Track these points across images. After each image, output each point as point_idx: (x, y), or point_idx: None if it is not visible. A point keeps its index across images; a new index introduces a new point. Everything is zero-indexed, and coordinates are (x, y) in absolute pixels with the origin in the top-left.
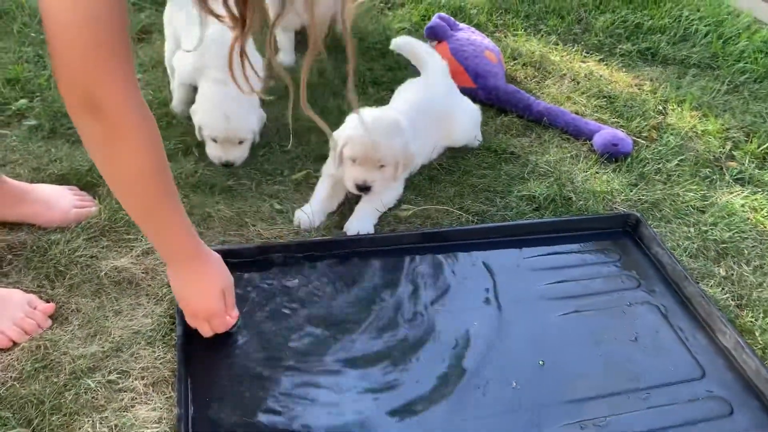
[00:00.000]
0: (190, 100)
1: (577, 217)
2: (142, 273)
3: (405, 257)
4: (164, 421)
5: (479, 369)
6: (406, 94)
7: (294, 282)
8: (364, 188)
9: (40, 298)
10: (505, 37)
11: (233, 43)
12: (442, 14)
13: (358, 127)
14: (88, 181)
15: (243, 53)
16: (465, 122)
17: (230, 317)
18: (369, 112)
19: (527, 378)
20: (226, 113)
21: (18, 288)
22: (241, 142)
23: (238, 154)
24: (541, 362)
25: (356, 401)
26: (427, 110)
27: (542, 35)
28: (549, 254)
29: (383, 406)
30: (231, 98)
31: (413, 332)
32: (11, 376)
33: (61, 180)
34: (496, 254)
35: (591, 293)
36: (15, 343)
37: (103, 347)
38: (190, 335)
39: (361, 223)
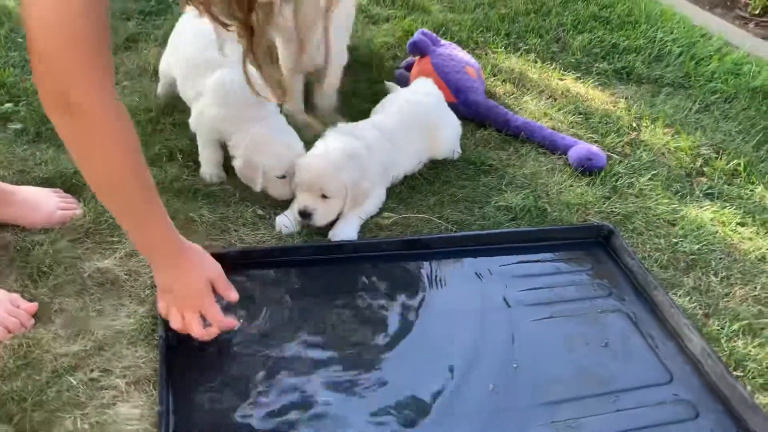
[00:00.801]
0: (220, 159)
1: (552, 227)
2: (125, 275)
3: (386, 264)
4: (145, 419)
5: (457, 372)
6: (392, 105)
7: (277, 287)
8: (304, 215)
9: (23, 297)
10: (485, 54)
11: (245, 53)
12: (425, 30)
13: (311, 155)
14: (73, 184)
15: (258, 62)
16: (449, 135)
17: (229, 321)
18: (329, 140)
19: (503, 381)
20: (288, 143)
21: (1, 288)
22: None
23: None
24: (515, 365)
25: (338, 404)
26: (413, 122)
27: (522, 53)
28: (524, 262)
29: (360, 408)
30: (279, 129)
31: (391, 337)
32: None
33: (46, 183)
34: (474, 261)
35: (564, 300)
36: None
37: (85, 346)
38: (171, 335)
39: (344, 229)
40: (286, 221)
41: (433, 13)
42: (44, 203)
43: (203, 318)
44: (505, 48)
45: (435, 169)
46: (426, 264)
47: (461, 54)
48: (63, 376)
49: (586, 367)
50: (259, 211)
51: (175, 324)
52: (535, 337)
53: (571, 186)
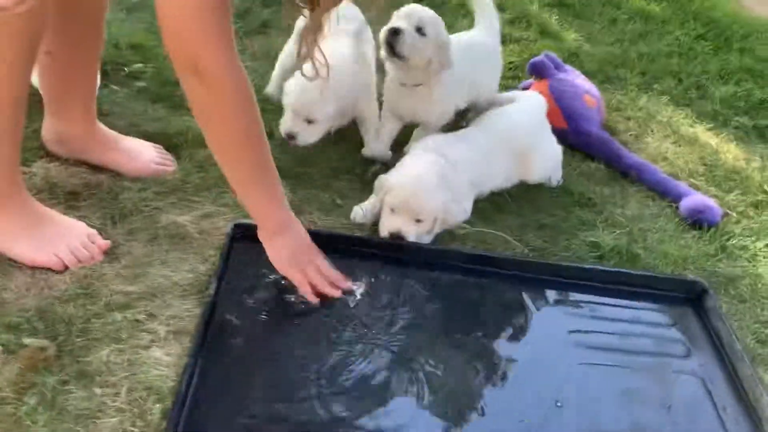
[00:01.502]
0: None
1: (639, 272)
2: (197, 233)
3: (446, 274)
4: (173, 367)
5: (489, 399)
6: (489, 121)
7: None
8: (398, 238)
9: (100, 234)
10: (615, 88)
11: (307, 24)
12: (550, 53)
13: (404, 176)
14: (174, 143)
15: (315, 38)
16: (545, 161)
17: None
18: (417, 158)
19: (540, 416)
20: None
21: (84, 222)
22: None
23: None
24: (558, 404)
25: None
26: (506, 142)
27: (654, 93)
28: (600, 303)
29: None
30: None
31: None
32: (54, 295)
33: (150, 137)
34: (541, 291)
35: (632, 350)
36: (67, 268)
37: (140, 289)
38: (220, 295)
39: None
40: (360, 212)
41: (567, 42)
42: (143, 154)
43: None
44: (637, 86)
45: (527, 192)
46: (489, 283)
47: (583, 82)
48: (112, 312)
49: (640, 425)
50: (338, 201)
51: (297, 280)
52: (589, 381)
53: (674, 236)
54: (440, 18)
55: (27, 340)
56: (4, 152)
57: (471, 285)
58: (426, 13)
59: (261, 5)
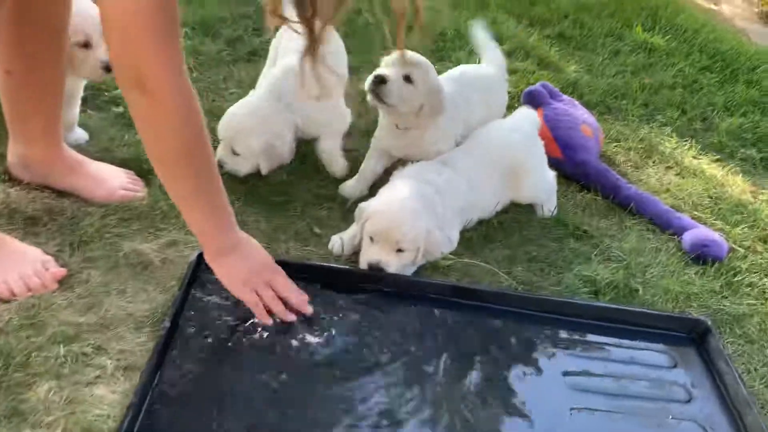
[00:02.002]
0: None
1: (636, 308)
2: (160, 262)
3: (428, 308)
4: (118, 407)
5: None
6: (474, 141)
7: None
8: (377, 269)
9: (57, 262)
10: (614, 119)
11: (305, 49)
12: (547, 83)
13: (384, 203)
14: (145, 169)
15: (315, 59)
16: (537, 179)
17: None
18: (399, 186)
19: None
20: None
21: (41, 249)
22: None
23: None
24: None
25: None
26: (492, 159)
27: (656, 124)
28: (591, 342)
29: None
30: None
31: (411, 390)
32: None
33: (122, 163)
34: (529, 328)
35: (630, 395)
36: (15, 296)
37: (91, 320)
38: (178, 329)
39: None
40: (339, 242)
41: (567, 73)
42: (110, 180)
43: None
44: (639, 117)
45: (517, 222)
46: (473, 318)
47: (580, 111)
48: (57, 344)
49: None
50: (316, 230)
51: (249, 301)
52: (583, 429)
53: (676, 271)
54: (429, 64)
55: None
56: None
57: (454, 320)
58: (415, 59)
59: (251, 33)
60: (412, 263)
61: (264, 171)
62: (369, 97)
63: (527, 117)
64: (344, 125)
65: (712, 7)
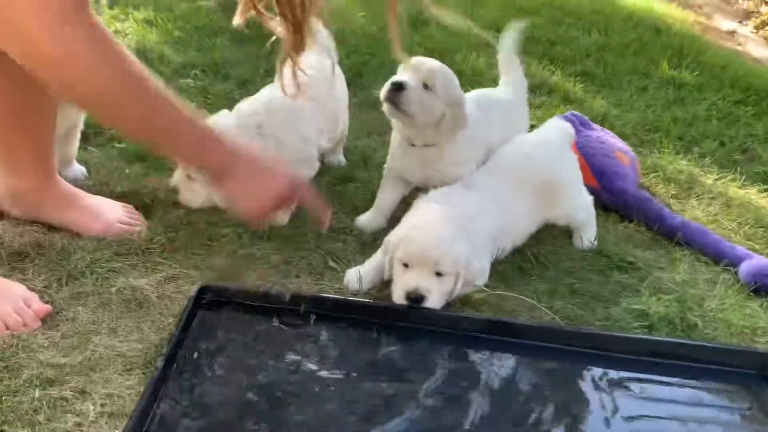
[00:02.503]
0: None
1: (701, 343)
2: (156, 298)
3: (461, 346)
4: None
5: None
6: (498, 159)
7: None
8: (416, 299)
9: (42, 298)
10: (650, 152)
11: (284, 49)
12: (576, 112)
13: (416, 225)
14: (144, 203)
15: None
16: (573, 195)
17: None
18: (428, 209)
19: None
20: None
21: (24, 284)
22: None
23: None
24: None
25: None
26: (523, 179)
27: (695, 157)
28: (652, 382)
29: None
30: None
31: None
32: None
33: (121, 196)
34: (577, 367)
35: None
36: None
37: (75, 361)
38: (172, 371)
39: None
40: (355, 276)
41: (594, 108)
42: (106, 213)
43: None
44: (675, 149)
45: (554, 254)
46: (511, 358)
47: (614, 139)
48: (33, 388)
49: None
50: (331, 263)
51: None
52: None
53: (737, 304)
54: (450, 71)
55: None
56: None
57: (489, 359)
58: (435, 65)
59: (263, 74)
60: (451, 293)
61: (220, 202)
62: (385, 107)
63: (558, 128)
64: (311, 171)
65: (737, 47)
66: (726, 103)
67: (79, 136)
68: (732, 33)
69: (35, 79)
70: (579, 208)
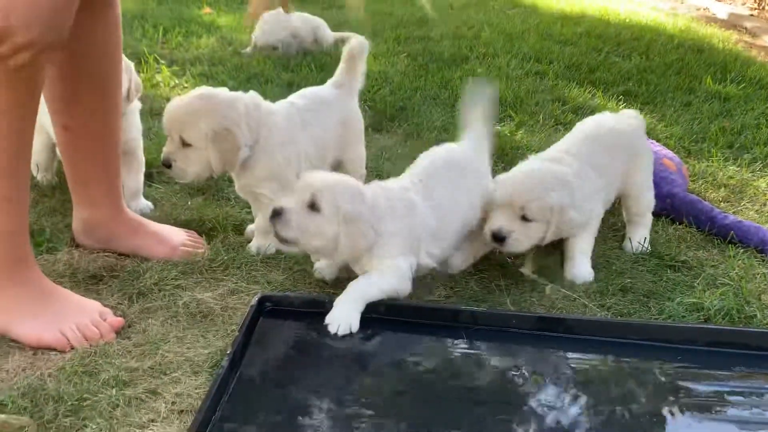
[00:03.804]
0: None
1: (760, 330)
2: (221, 309)
3: (510, 345)
4: None
5: None
6: (579, 131)
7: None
8: (499, 238)
9: (115, 314)
10: (697, 160)
11: None
12: None
13: (515, 171)
14: (206, 228)
15: None
16: (645, 167)
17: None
18: (533, 163)
19: None
20: None
21: (99, 302)
22: None
23: None
24: None
25: None
26: (612, 145)
27: (745, 162)
28: (712, 369)
29: None
30: None
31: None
32: (49, 373)
33: (184, 224)
34: (630, 360)
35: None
36: (72, 348)
37: (146, 365)
38: (238, 371)
39: (580, 269)
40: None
41: None
42: (171, 238)
43: None
44: (724, 157)
45: (604, 255)
46: (560, 353)
47: (659, 147)
48: (110, 389)
49: None
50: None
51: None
52: None
53: None
54: (346, 186)
55: (2, 416)
56: (3, 222)
57: (540, 357)
58: (319, 183)
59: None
60: (541, 240)
61: (216, 169)
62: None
63: (632, 115)
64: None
65: None
66: None
67: (142, 168)
68: None
69: (104, 107)
70: (648, 189)
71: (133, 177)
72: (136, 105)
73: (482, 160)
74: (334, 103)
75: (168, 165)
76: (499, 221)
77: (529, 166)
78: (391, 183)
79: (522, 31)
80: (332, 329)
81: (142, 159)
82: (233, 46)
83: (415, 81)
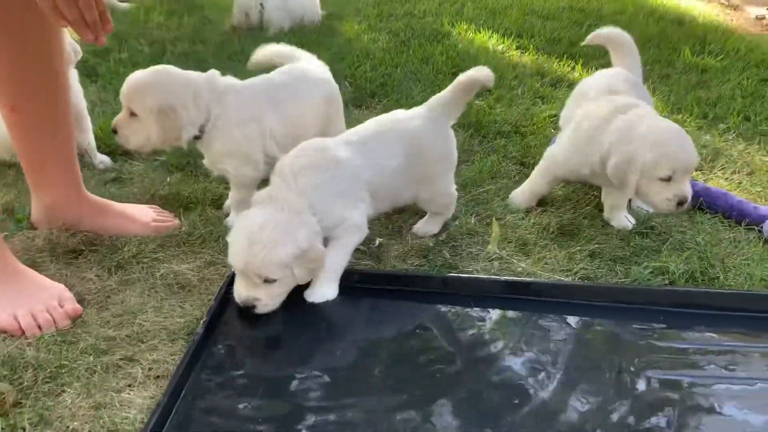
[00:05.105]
0: None
1: (722, 290)
2: (197, 281)
3: (481, 308)
4: (146, 410)
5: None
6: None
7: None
8: (682, 203)
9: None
10: None
11: None
12: None
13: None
14: (185, 203)
15: None
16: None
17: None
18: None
19: None
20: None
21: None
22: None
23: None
24: None
25: None
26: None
27: (718, 131)
28: (672, 329)
29: None
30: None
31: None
32: (27, 342)
33: (162, 199)
34: (596, 321)
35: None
36: (23, 334)
37: (125, 334)
38: (211, 337)
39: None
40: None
41: None
42: (140, 216)
43: None
44: (698, 127)
45: (572, 223)
46: (531, 315)
47: None
48: (88, 356)
49: None
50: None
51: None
52: None
53: (763, 260)
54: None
55: None
56: None
57: (507, 318)
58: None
59: None
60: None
61: (157, 142)
62: None
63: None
64: (255, 172)
65: (766, 32)
66: (751, 82)
67: (91, 127)
68: (762, 18)
69: (50, 83)
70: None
71: (85, 136)
72: (74, 72)
73: (433, 132)
74: (318, 79)
75: (114, 131)
76: (681, 190)
77: (672, 127)
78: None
79: (505, 6)
80: (309, 299)
81: (89, 119)
82: (214, 24)
83: (397, 57)
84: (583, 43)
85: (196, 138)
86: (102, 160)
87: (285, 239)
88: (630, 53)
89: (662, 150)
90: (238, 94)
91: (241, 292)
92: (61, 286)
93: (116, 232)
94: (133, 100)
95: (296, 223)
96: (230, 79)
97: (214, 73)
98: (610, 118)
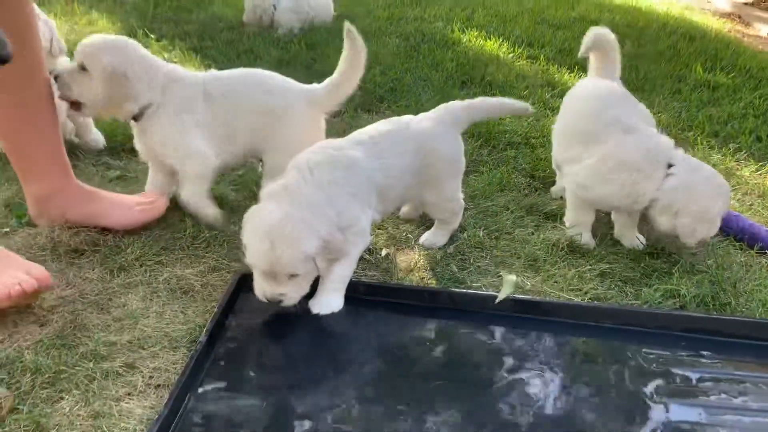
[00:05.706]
0: None
1: (734, 317)
2: (201, 286)
3: (487, 326)
4: (146, 421)
5: None
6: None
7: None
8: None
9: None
10: (684, 150)
11: None
12: None
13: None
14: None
15: None
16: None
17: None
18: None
19: None
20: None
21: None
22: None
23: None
24: None
25: None
26: None
27: (730, 151)
28: (683, 355)
29: None
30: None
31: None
32: (26, 345)
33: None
34: (603, 344)
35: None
36: None
37: (126, 340)
38: (215, 347)
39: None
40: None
41: None
42: (123, 202)
43: None
44: (709, 146)
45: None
46: (539, 335)
47: None
48: (88, 362)
49: None
50: (366, 255)
51: None
52: None
53: None
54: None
55: None
56: None
57: (515, 336)
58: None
59: None
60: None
61: (95, 103)
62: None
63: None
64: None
65: None
66: (763, 102)
67: None
68: None
69: (26, 64)
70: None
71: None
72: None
73: (442, 134)
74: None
75: (55, 78)
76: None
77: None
78: (339, 141)
79: (516, 14)
80: (314, 310)
81: None
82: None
83: (407, 62)
84: (580, 55)
85: (134, 119)
86: (95, 138)
87: (308, 234)
88: (612, 49)
89: (724, 199)
90: (182, 84)
91: (265, 289)
92: (18, 257)
93: (103, 220)
94: (90, 55)
95: (316, 215)
96: (182, 69)
97: (175, 67)
98: (652, 173)
